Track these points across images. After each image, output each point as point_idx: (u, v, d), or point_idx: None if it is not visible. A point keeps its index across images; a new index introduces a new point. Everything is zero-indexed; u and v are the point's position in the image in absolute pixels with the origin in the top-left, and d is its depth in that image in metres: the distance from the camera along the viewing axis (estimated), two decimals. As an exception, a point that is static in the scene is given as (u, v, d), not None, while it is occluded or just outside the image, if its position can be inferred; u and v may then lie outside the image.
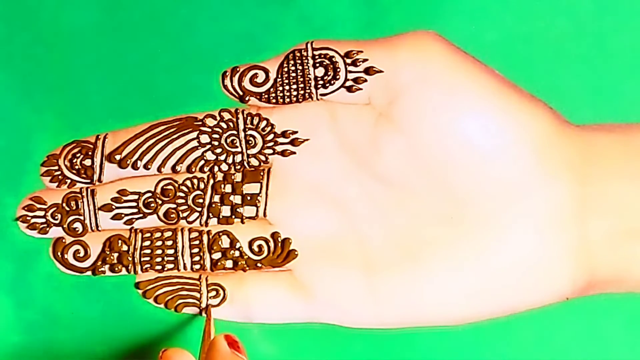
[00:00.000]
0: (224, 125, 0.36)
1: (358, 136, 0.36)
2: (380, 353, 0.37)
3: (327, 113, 0.36)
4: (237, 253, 0.36)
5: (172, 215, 0.36)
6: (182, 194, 0.36)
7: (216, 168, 0.36)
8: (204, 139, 0.36)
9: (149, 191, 0.36)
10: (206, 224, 0.36)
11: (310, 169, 0.36)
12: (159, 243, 0.36)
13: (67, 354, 0.37)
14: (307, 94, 0.36)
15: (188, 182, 0.36)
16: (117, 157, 0.36)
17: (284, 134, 0.36)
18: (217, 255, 0.36)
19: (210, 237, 0.36)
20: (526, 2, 0.36)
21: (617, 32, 0.36)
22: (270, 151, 0.36)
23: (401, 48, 0.35)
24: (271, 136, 0.36)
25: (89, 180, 0.36)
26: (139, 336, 0.37)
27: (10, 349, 0.37)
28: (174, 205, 0.36)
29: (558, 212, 0.35)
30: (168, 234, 0.36)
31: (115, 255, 0.36)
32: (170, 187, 0.36)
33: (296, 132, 0.36)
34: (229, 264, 0.36)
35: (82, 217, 0.36)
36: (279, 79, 0.36)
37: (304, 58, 0.35)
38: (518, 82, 0.35)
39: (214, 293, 0.37)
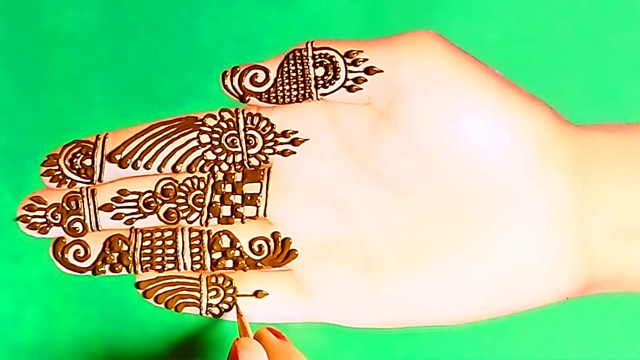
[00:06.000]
0: (224, 125, 0.36)
1: (358, 136, 0.36)
2: (380, 353, 0.37)
3: (327, 113, 0.36)
4: (237, 253, 0.36)
5: (172, 215, 0.36)
6: (182, 194, 0.36)
7: (216, 168, 0.36)
8: (204, 138, 0.36)
9: (149, 191, 0.36)
10: (206, 223, 0.36)
11: (310, 169, 0.36)
12: (159, 243, 0.36)
13: (67, 354, 0.37)
14: (307, 94, 0.36)
15: (188, 182, 0.36)
16: (118, 157, 0.36)
17: (284, 134, 0.36)
18: (217, 255, 0.36)
19: (211, 236, 0.36)
20: (526, 2, 0.36)
21: (617, 32, 0.36)
22: (271, 151, 0.36)
23: (401, 48, 0.35)
24: (271, 136, 0.36)
25: (89, 180, 0.36)
26: (138, 336, 0.37)
27: (10, 349, 0.37)
28: (174, 205, 0.36)
29: (558, 212, 0.35)
30: (168, 233, 0.36)
31: (116, 255, 0.36)
32: (170, 186, 0.36)
33: (296, 132, 0.36)
34: (229, 263, 0.36)
35: (82, 217, 0.36)
36: (279, 79, 0.36)
37: (304, 58, 0.35)
38: (518, 82, 0.35)
39: (214, 293, 0.37)
